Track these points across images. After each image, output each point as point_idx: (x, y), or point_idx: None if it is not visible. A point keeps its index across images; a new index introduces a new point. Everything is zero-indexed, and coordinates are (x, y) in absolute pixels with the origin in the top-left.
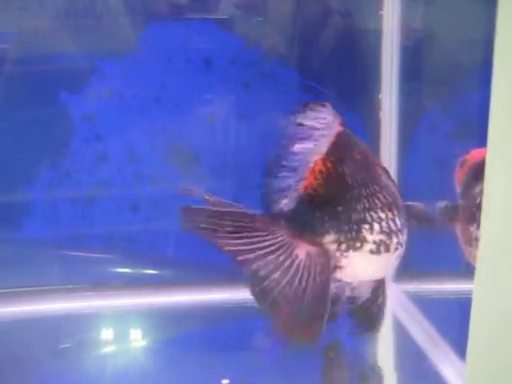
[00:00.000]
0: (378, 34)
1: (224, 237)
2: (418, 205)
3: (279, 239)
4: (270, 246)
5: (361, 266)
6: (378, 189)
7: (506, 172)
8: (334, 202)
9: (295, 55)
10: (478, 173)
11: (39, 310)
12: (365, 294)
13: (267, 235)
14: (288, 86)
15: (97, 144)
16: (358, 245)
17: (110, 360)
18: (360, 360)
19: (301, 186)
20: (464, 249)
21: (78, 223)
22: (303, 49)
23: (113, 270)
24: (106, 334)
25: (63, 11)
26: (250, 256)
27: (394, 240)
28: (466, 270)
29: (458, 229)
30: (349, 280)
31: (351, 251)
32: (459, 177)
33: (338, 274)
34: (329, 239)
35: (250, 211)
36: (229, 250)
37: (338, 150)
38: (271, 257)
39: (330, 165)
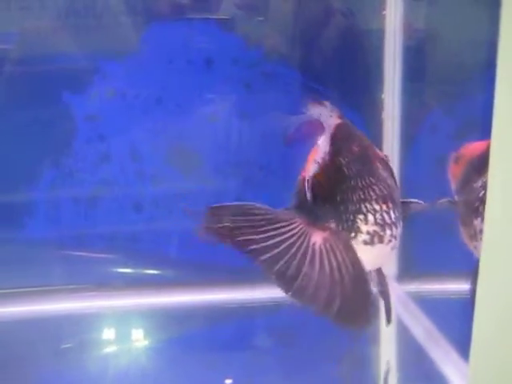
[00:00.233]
0: (380, 33)
1: (248, 233)
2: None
3: (295, 230)
4: (289, 238)
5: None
6: (374, 181)
7: (509, 173)
8: (332, 192)
9: (297, 55)
10: (477, 167)
11: (41, 310)
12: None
13: (284, 227)
14: (290, 86)
15: (99, 144)
16: (353, 235)
17: (112, 360)
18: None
19: (301, 176)
20: (469, 244)
21: (80, 223)
22: (305, 49)
23: (115, 269)
24: (109, 333)
25: (65, 12)
26: (275, 251)
27: (388, 232)
28: (468, 270)
29: (461, 224)
30: None
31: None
32: (455, 173)
33: None
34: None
35: (264, 205)
36: (252, 250)
37: (336, 141)
38: (293, 250)
39: (328, 156)
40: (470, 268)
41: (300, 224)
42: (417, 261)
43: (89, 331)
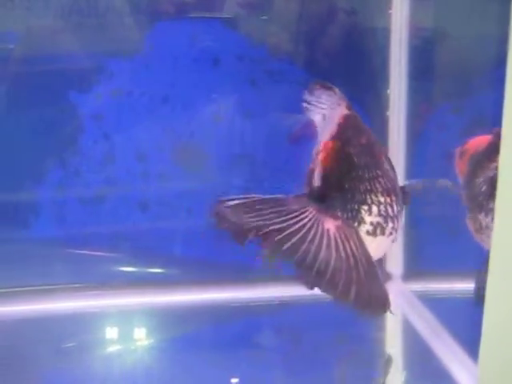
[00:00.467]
0: (386, 32)
1: (269, 224)
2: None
3: (309, 217)
4: (304, 225)
5: None
6: (380, 173)
7: None
8: (342, 179)
9: (303, 53)
10: (479, 161)
11: (45, 309)
12: None
13: (298, 215)
14: (295, 84)
15: (105, 143)
16: (356, 224)
17: (116, 359)
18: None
19: (313, 164)
20: (475, 236)
21: (85, 222)
22: (311, 46)
23: (120, 268)
24: (113, 332)
25: (71, 11)
26: (294, 240)
27: (390, 224)
28: (474, 269)
29: (468, 218)
30: None
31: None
32: (460, 168)
33: None
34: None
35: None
36: (274, 241)
37: (346, 131)
38: (310, 236)
39: (339, 143)
40: (475, 267)
41: (312, 211)
42: (423, 259)
43: (93, 330)
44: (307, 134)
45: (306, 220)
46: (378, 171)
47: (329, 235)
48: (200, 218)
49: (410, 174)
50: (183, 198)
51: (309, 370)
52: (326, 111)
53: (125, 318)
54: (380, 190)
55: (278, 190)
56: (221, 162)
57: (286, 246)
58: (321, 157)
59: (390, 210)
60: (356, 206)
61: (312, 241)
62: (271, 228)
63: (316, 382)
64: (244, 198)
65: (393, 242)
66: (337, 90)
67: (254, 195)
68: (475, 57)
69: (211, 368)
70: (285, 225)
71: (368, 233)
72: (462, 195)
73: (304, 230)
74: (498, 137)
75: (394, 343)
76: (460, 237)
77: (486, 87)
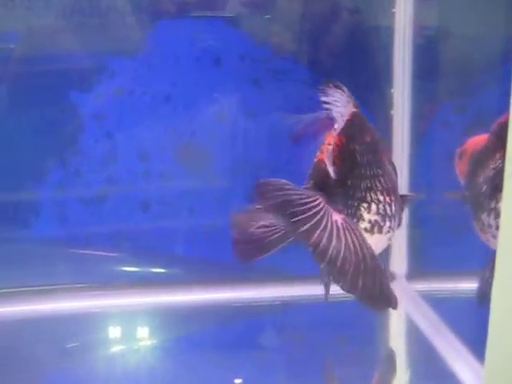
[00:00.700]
0: (390, 31)
1: (291, 206)
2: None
3: (320, 205)
4: (317, 212)
5: None
6: (381, 173)
7: None
8: (345, 176)
9: (306, 52)
10: (478, 161)
11: (47, 310)
12: None
13: (311, 202)
14: (298, 83)
15: (106, 142)
16: (355, 221)
17: (118, 359)
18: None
19: (318, 157)
20: (481, 236)
21: (86, 222)
22: (314, 46)
23: (122, 268)
24: (115, 332)
25: (72, 10)
26: (308, 225)
27: (387, 223)
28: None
29: (473, 218)
30: None
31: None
32: (461, 168)
33: None
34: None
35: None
36: (294, 222)
37: (352, 128)
38: (323, 223)
39: (344, 140)
40: (479, 266)
41: (322, 201)
42: (427, 259)
43: (95, 330)
44: (309, 133)
45: (318, 208)
46: (379, 170)
47: (337, 226)
48: (202, 218)
49: (413, 172)
50: (185, 197)
51: (311, 370)
52: (340, 109)
53: (127, 318)
54: (380, 188)
55: None
56: (223, 162)
57: (302, 229)
58: (328, 152)
59: (388, 209)
60: (356, 203)
61: (324, 228)
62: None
63: (318, 383)
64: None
65: (389, 240)
66: (345, 88)
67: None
68: (479, 55)
69: (214, 368)
70: (300, 209)
71: (366, 230)
72: (466, 196)
73: (317, 217)
74: (494, 136)
75: (397, 343)
76: (464, 237)
77: (490, 86)
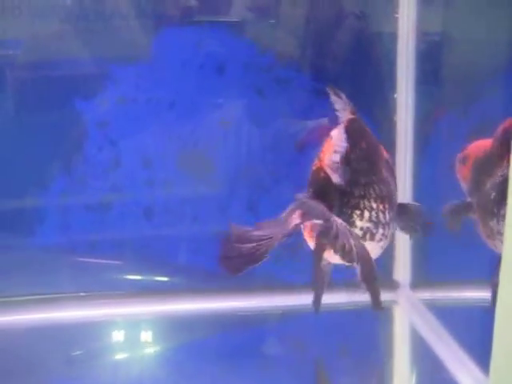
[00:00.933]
0: (393, 36)
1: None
2: (414, 205)
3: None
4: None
5: None
6: (375, 180)
7: None
8: (339, 184)
9: (309, 59)
10: (483, 167)
11: (50, 318)
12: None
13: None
14: (302, 91)
15: (111, 150)
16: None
17: (121, 367)
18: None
19: (317, 165)
20: (487, 242)
21: (90, 229)
22: (317, 53)
23: (125, 276)
24: (119, 341)
25: (77, 18)
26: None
27: (380, 231)
28: (483, 278)
29: (477, 224)
30: (334, 260)
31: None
32: (464, 174)
33: (327, 255)
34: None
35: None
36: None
37: (348, 134)
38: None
39: (347, 147)
40: (484, 275)
41: (327, 211)
42: (431, 268)
43: (99, 338)
44: (313, 141)
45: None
46: (373, 177)
47: (337, 227)
48: (205, 226)
49: (417, 179)
50: (189, 205)
51: (314, 379)
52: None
53: (130, 326)
54: (374, 196)
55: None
56: (226, 170)
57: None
58: (326, 158)
59: (381, 216)
60: (349, 211)
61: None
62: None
63: None
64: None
65: (382, 248)
66: (343, 95)
67: None
68: (482, 61)
69: (216, 377)
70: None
71: None
72: (470, 203)
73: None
74: (499, 142)
75: (401, 352)
76: (469, 245)
77: (494, 91)
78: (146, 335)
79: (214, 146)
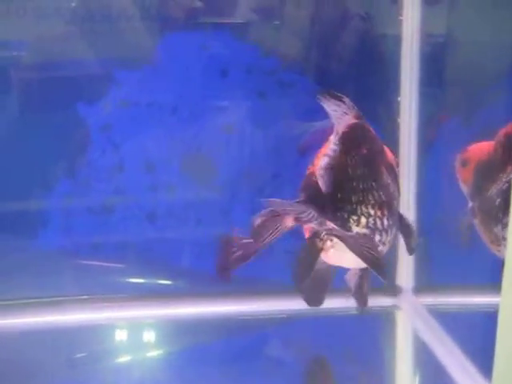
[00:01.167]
0: (397, 39)
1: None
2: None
3: (313, 218)
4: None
5: (341, 252)
6: (375, 186)
7: None
8: (334, 188)
9: (312, 62)
10: (487, 172)
11: (53, 321)
12: (351, 280)
13: (307, 218)
14: (305, 94)
15: (114, 153)
16: None
17: (123, 371)
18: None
19: (310, 170)
20: (491, 247)
21: (94, 233)
22: (320, 55)
23: (128, 279)
24: (121, 344)
25: (81, 21)
26: None
27: (377, 237)
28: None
29: (480, 230)
30: (330, 262)
31: (335, 237)
32: (464, 176)
33: (323, 256)
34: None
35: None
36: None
37: (347, 140)
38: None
39: (337, 152)
40: (488, 280)
41: (313, 213)
42: (434, 273)
43: (101, 342)
44: (316, 145)
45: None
46: (373, 183)
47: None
48: (209, 229)
49: (421, 180)
50: (192, 208)
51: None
52: (335, 120)
53: (133, 329)
54: (372, 202)
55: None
56: (229, 173)
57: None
58: (318, 163)
59: (379, 223)
60: (346, 215)
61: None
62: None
63: None
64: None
65: (380, 254)
66: (346, 99)
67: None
68: (487, 64)
69: (219, 381)
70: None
71: None
72: (473, 208)
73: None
74: (502, 147)
75: (404, 357)
76: (472, 250)
77: (498, 95)
78: (149, 339)
79: (216, 150)
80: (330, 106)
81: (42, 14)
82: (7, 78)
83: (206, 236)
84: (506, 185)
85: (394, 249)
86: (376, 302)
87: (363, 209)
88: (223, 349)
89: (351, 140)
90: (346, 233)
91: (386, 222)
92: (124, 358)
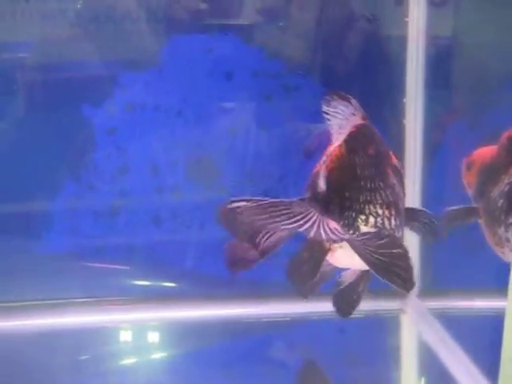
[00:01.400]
0: (402, 40)
1: (279, 225)
2: (421, 210)
3: (313, 219)
4: (311, 227)
5: (348, 253)
6: (382, 186)
7: None
8: (342, 188)
9: (318, 64)
10: (489, 174)
11: (58, 323)
12: (348, 279)
13: (305, 217)
14: (310, 97)
15: (119, 156)
16: (351, 232)
17: (129, 373)
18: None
19: (317, 169)
20: (495, 249)
21: (99, 235)
22: (326, 58)
23: (133, 282)
24: (126, 346)
25: (87, 24)
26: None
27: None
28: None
29: (485, 232)
30: (336, 264)
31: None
32: (469, 180)
33: (329, 257)
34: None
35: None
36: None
37: (355, 140)
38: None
39: (344, 151)
40: (493, 284)
41: (315, 213)
42: (439, 277)
43: (105, 344)
44: (321, 147)
45: (311, 222)
46: (381, 183)
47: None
48: (213, 232)
49: (425, 182)
50: (197, 211)
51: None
52: (341, 121)
53: (138, 331)
54: (380, 201)
55: None
56: (235, 176)
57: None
58: (326, 163)
59: (387, 222)
60: (353, 215)
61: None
62: (282, 228)
63: None
64: (251, 201)
65: None
66: (353, 100)
67: (259, 198)
68: (493, 66)
69: (223, 383)
70: (294, 225)
71: None
72: (477, 209)
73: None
74: (505, 150)
75: (409, 361)
76: (477, 254)
77: (506, 97)
78: (153, 341)
79: (222, 153)
80: (338, 107)
81: (48, 16)
82: (13, 79)
83: (210, 239)
84: (509, 186)
85: None
86: (381, 305)
87: (371, 208)
88: (227, 351)
89: (359, 140)
90: (350, 235)
91: (393, 221)
92: (128, 360)
